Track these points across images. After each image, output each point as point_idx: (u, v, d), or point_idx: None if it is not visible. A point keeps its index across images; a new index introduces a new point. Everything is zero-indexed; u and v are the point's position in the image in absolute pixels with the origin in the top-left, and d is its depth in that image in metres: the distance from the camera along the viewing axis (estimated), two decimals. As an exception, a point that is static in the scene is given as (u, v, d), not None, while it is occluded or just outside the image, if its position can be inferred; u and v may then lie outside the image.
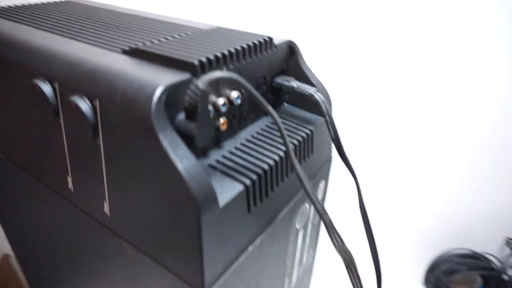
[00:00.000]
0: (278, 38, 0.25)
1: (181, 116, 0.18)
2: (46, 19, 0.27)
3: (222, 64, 0.20)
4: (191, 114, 0.17)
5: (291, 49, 0.26)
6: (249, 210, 0.20)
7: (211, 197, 0.17)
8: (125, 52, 0.20)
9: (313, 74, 0.26)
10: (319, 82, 0.26)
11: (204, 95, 0.16)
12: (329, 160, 0.30)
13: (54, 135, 0.21)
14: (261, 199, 0.21)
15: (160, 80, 0.17)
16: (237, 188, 0.19)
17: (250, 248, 0.21)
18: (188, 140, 0.18)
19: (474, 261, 0.59)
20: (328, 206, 0.58)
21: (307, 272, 0.35)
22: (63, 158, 0.22)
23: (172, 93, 0.17)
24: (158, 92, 0.16)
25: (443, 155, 0.60)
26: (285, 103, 0.28)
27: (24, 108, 0.23)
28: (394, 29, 0.54)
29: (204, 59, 0.18)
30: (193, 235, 0.17)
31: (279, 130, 0.19)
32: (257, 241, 0.22)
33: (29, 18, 0.27)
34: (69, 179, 0.22)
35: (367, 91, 0.59)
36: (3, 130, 0.26)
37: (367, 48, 0.56)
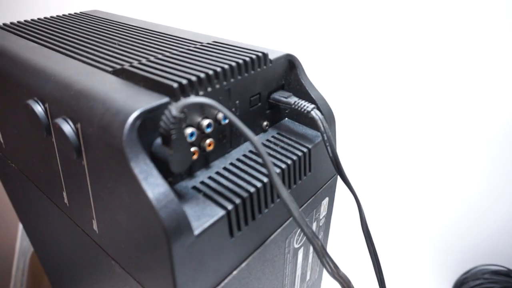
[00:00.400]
0: (276, 51, 0.24)
1: (159, 140, 0.18)
2: (54, 34, 0.27)
3: (206, 85, 0.19)
4: (166, 140, 0.17)
5: (291, 63, 0.25)
6: (232, 235, 0.19)
7: (184, 225, 0.16)
8: (114, 72, 0.20)
9: (314, 88, 0.25)
10: (320, 97, 0.25)
11: (177, 121, 0.16)
12: (334, 176, 0.28)
13: (49, 152, 0.22)
14: (246, 223, 0.20)
15: (136, 105, 0.17)
16: (218, 213, 0.18)
17: (235, 272, 0.21)
18: (166, 164, 0.17)
19: (508, 279, 0.55)
20: (339, 222, 0.56)
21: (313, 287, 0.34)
22: (58, 174, 0.22)
23: (150, 118, 0.17)
24: (130, 119, 0.16)
25: (472, 162, 0.57)
26: (287, 118, 0.27)
27: (24, 124, 0.24)
28: (407, 35, 0.51)
29: (184, 82, 0.18)
30: (165, 263, 0.17)
31: (261, 156, 0.18)
32: (243, 265, 0.21)
33: (38, 34, 0.28)
34: (64, 194, 0.23)
35: (376, 101, 0.57)
36: (12, 140, 0.28)
37: (377, 58, 0.53)
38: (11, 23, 0.31)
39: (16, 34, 0.28)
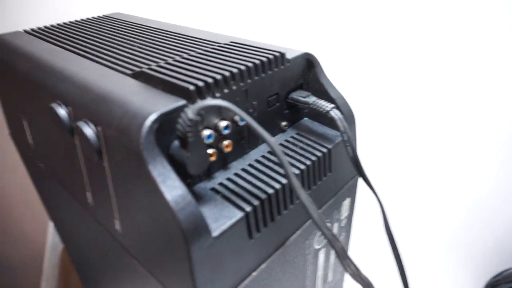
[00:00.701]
0: (294, 50, 0.24)
1: (177, 142, 0.18)
2: (77, 38, 0.28)
3: (223, 86, 0.19)
4: (183, 142, 0.17)
5: (309, 62, 0.24)
6: (250, 236, 0.19)
7: (202, 227, 0.17)
8: (133, 75, 0.21)
9: (333, 87, 0.25)
10: (340, 96, 0.25)
11: (193, 124, 0.16)
12: (355, 176, 0.28)
13: (73, 153, 0.23)
14: (265, 225, 0.20)
15: (153, 108, 0.17)
16: (236, 214, 0.18)
17: (255, 274, 0.21)
18: (184, 166, 0.17)
19: (543, 282, 0.52)
20: (362, 222, 0.55)
21: (335, 289, 0.33)
22: (82, 175, 0.23)
23: (167, 120, 0.17)
24: (148, 122, 0.16)
25: (499, 160, 0.54)
26: (306, 117, 0.26)
27: (50, 126, 0.24)
28: (431, 33, 0.49)
29: (201, 84, 0.18)
30: (184, 264, 0.17)
31: (278, 157, 0.18)
32: (263, 266, 0.21)
33: (62, 38, 0.28)
34: (88, 195, 0.24)
35: (394, 101, 0.55)
36: (40, 141, 0.29)
37: (397, 57, 0.52)
38: (38, 28, 0.32)
39: (40, 38, 0.29)
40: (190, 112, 0.16)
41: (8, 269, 0.52)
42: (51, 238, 0.62)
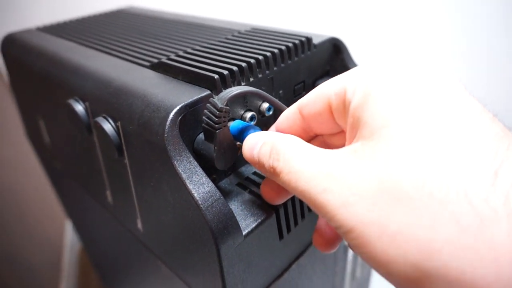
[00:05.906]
0: (320, 35, 0.22)
1: (202, 135, 0.17)
2: (92, 33, 0.27)
3: (248, 75, 0.18)
4: (209, 135, 0.16)
5: (336, 47, 0.23)
6: (281, 233, 0.18)
7: (232, 226, 0.15)
8: (152, 66, 0.20)
9: (362, 73, 0.23)
10: (369, 82, 0.23)
11: (222, 114, 0.15)
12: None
13: (91, 150, 0.22)
14: (296, 222, 0.19)
15: (176, 100, 0.16)
16: (265, 211, 0.17)
17: (286, 273, 0.19)
18: (211, 161, 0.16)
19: None
20: None
21: (362, 285, 0.32)
22: (101, 173, 0.22)
23: (191, 112, 0.16)
24: (171, 115, 0.15)
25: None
26: (332, 106, 0.25)
27: (67, 123, 0.24)
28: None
29: (226, 73, 0.17)
30: (213, 265, 0.16)
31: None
32: (294, 265, 0.20)
33: (76, 33, 0.28)
34: (108, 193, 0.23)
35: None
36: (56, 140, 0.28)
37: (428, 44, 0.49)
38: (51, 24, 0.31)
39: (54, 34, 0.28)
40: (218, 101, 0.15)
41: (27, 268, 0.52)
42: (69, 237, 0.62)
